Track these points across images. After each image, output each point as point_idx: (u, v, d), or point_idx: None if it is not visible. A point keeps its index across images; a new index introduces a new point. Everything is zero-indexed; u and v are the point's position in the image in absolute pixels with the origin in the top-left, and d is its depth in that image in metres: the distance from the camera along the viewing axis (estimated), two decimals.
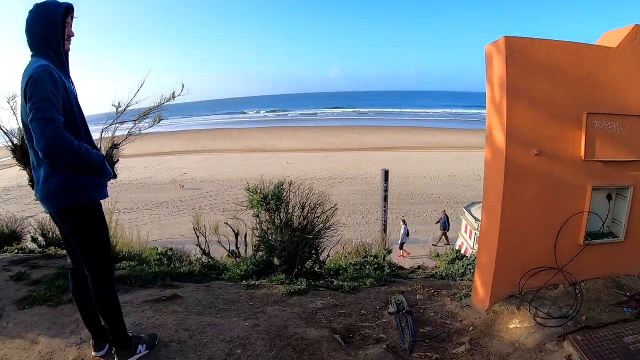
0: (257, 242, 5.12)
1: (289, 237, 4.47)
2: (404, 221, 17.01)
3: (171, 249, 10.80)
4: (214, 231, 9.88)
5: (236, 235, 6.95)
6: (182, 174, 29.52)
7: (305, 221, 4.73)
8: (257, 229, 5.02)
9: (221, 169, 30.63)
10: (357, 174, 27.49)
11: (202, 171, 30.01)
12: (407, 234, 16.53)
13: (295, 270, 4.48)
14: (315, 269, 4.79)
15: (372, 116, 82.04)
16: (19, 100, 2.59)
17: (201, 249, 8.53)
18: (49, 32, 2.32)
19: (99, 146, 5.25)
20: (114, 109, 5.00)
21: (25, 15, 2.32)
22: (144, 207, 22.08)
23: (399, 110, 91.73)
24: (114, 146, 5.09)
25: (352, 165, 30.60)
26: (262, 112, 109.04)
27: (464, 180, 25.19)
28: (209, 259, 7.92)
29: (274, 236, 4.63)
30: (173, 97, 5.22)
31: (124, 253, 6.37)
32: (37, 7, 2.30)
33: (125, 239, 7.05)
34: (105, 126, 4.98)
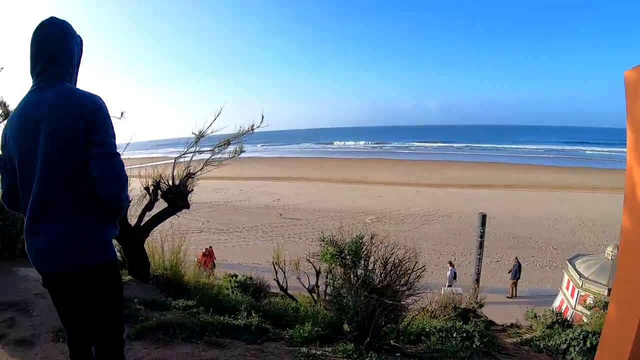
0: (327, 300, 4.53)
1: (365, 299, 3.82)
2: (450, 263, 15.79)
3: (251, 278, 10.65)
4: (295, 266, 9.60)
5: (317, 273, 6.58)
6: (276, 199, 29.92)
7: (387, 281, 4.07)
8: (329, 284, 4.45)
9: (314, 197, 30.62)
10: (450, 212, 25.89)
11: (296, 199, 30.16)
12: (455, 277, 15.24)
13: (368, 339, 3.78)
14: (391, 340, 4.00)
15: (468, 151, 78.91)
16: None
17: (279, 285, 8.22)
18: (78, 53, 2.04)
19: (174, 174, 5.27)
20: (193, 136, 4.88)
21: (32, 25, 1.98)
22: (234, 230, 22.46)
23: (497, 145, 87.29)
24: (189, 175, 4.95)
25: (445, 202, 29.03)
26: (358, 143, 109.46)
27: (564, 224, 22.66)
28: (284, 294, 7.57)
29: (347, 298, 3.96)
30: (252, 129, 4.97)
31: (191, 285, 6.05)
32: (65, 22, 1.97)
33: (196, 271, 6.80)
34: (181, 153, 4.88)
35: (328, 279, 4.41)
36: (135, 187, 5.23)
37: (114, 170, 1.85)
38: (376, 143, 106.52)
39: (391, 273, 4.17)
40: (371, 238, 4.34)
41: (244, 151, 5.16)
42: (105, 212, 1.95)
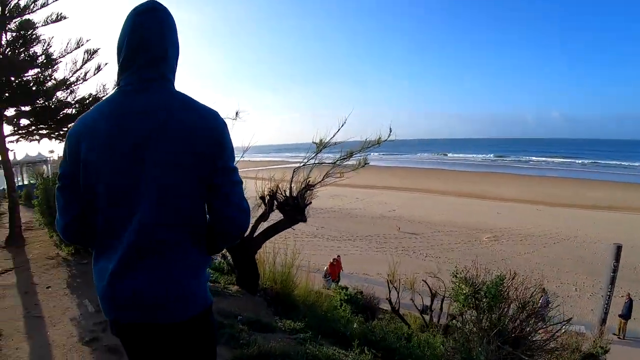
0: (450, 349, 3.87)
1: (497, 350, 3.12)
2: (544, 290, 13.64)
3: (361, 292, 10.30)
4: (410, 285, 9.09)
5: (432, 295, 6.03)
6: (392, 210, 29.35)
7: (524, 331, 3.33)
8: (456, 326, 3.82)
9: (431, 210, 29.53)
10: (572, 235, 22.98)
11: (412, 210, 29.29)
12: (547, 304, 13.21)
13: None
14: None
15: (594, 168, 70.74)
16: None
17: (391, 305, 7.77)
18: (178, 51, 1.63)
19: (292, 184, 5.03)
20: (305, 143, 4.61)
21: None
22: (347, 238, 22.28)
23: (632, 163, 76.37)
24: (308, 187, 4.64)
25: (567, 223, 25.98)
26: (476, 155, 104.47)
27: None
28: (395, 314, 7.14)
29: (478, 350, 3.27)
30: (379, 142, 4.53)
31: (300, 299, 5.71)
32: (165, 9, 1.54)
33: (307, 283, 6.49)
34: (301, 163, 4.59)
35: (457, 322, 3.78)
36: (250, 189, 5.05)
37: (243, 202, 1.54)
38: (495, 156, 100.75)
39: (530, 321, 3.47)
40: (512, 277, 3.62)
41: (367, 163, 4.76)
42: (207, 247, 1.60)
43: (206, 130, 1.44)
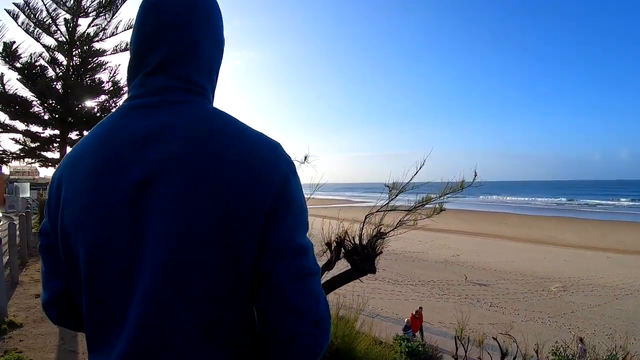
0: None
1: None
2: (581, 340, 12.31)
3: (423, 344, 9.67)
4: (479, 343, 8.39)
5: (503, 355, 5.42)
6: (455, 255, 28.30)
7: None
8: None
9: (496, 256, 28.21)
10: None
11: (476, 256, 28.08)
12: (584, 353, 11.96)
13: None
14: None
15: None
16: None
17: None
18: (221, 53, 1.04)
19: (362, 232, 4.65)
20: (386, 189, 4.22)
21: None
22: (409, 282, 21.48)
23: None
24: (379, 235, 4.26)
25: None
26: (543, 198, 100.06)
27: None
28: None
29: None
30: (462, 187, 4.08)
31: (361, 354, 5.11)
32: None
33: (370, 334, 5.98)
34: (373, 210, 4.22)
35: None
36: (316, 229, 4.69)
37: (319, 305, 0.85)
38: (562, 199, 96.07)
39: None
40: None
41: (444, 209, 4.31)
42: None
43: (260, 174, 0.84)
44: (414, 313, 14.20)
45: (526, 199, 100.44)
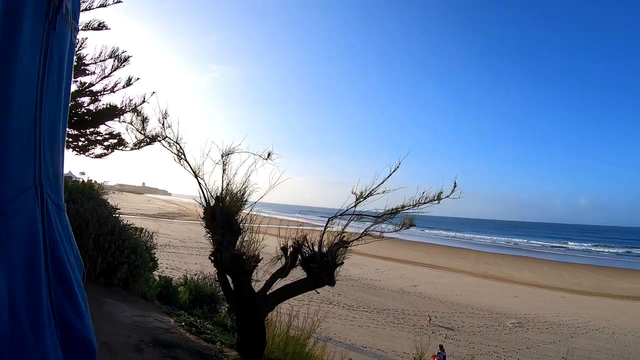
0: None
1: None
2: (441, 347, 13.33)
3: None
4: None
5: None
6: (412, 285, 28.20)
7: None
8: None
9: (453, 290, 28.29)
10: (602, 326, 21.70)
11: (434, 288, 28.06)
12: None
13: None
14: None
15: (627, 257, 67.99)
16: None
17: None
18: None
19: (322, 239, 4.23)
20: (352, 198, 3.84)
21: None
22: (364, 309, 21.07)
23: None
24: (342, 244, 3.86)
25: (595, 312, 24.77)
26: (503, 237, 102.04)
27: None
28: None
29: None
30: (439, 199, 3.73)
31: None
32: None
33: (324, 358, 5.52)
34: (337, 213, 3.84)
35: None
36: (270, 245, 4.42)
37: None
38: (521, 239, 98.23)
39: None
40: None
41: (414, 225, 3.97)
42: None
43: None
44: (435, 354, 13.53)
45: (485, 236, 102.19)
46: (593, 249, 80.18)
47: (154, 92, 7.48)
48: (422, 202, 3.75)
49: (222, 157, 4.26)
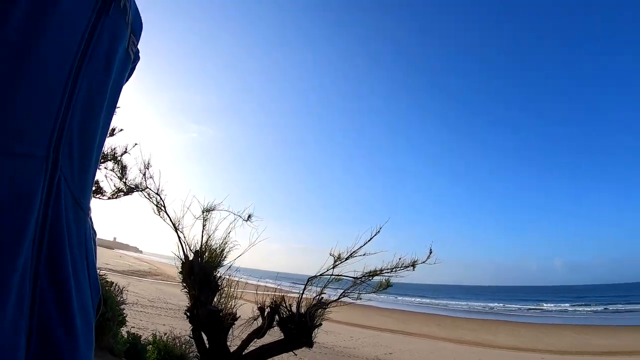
0: None
1: None
2: None
3: None
4: None
5: None
6: (388, 353, 27.48)
7: None
8: None
9: (429, 356, 27.58)
10: None
11: (409, 355, 27.40)
12: None
13: None
14: None
15: (604, 314, 68.11)
16: None
17: None
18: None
19: (301, 299, 4.21)
20: (331, 260, 3.87)
21: None
22: None
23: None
24: (320, 304, 3.84)
25: None
26: (479, 303, 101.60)
27: None
28: None
29: None
30: (414, 266, 3.79)
31: None
32: None
33: None
34: (316, 273, 3.84)
35: None
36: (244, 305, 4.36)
37: None
38: (496, 303, 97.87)
39: None
40: None
41: (390, 285, 3.99)
42: None
43: None
44: None
45: (461, 302, 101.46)
46: (570, 309, 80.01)
47: (136, 144, 7.53)
48: (399, 267, 3.80)
49: (203, 212, 4.29)
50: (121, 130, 7.86)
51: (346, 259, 3.85)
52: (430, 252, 3.79)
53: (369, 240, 3.78)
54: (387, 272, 3.87)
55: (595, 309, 77.72)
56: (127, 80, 1.11)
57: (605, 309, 77.24)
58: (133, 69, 1.15)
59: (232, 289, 4.32)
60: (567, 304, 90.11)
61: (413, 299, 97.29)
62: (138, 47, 1.11)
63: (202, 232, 4.37)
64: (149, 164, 4.45)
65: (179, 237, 4.30)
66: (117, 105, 1.03)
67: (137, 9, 1.07)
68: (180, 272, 4.28)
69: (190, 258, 4.20)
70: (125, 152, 7.68)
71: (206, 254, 4.22)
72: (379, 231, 3.73)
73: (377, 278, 4.11)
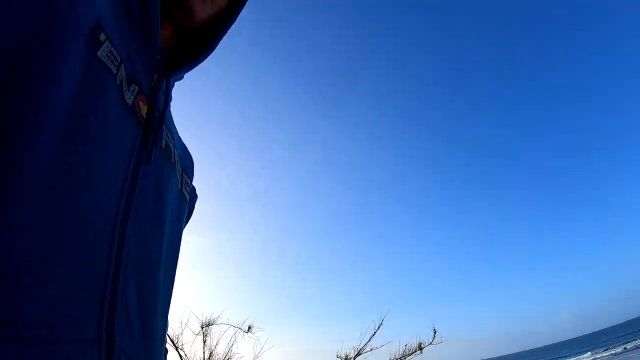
0: None
1: None
2: None
3: None
4: None
5: None
6: None
7: None
8: None
9: None
10: None
11: None
12: None
13: None
14: None
15: (625, 354, 64.61)
16: None
17: None
18: None
19: None
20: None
21: None
22: None
23: None
24: None
25: None
26: None
27: None
28: None
29: None
30: (421, 349, 3.71)
31: None
32: None
33: None
34: None
35: None
36: None
37: None
38: None
39: None
40: None
41: None
42: None
43: None
44: None
45: None
46: (594, 356, 76.22)
47: None
48: (407, 354, 3.71)
49: (202, 328, 4.21)
50: None
51: (354, 359, 3.76)
52: (435, 332, 3.73)
53: (373, 335, 3.71)
54: None
55: (615, 352, 73.94)
56: (187, 222, 1.02)
57: (624, 348, 73.44)
58: (192, 208, 1.06)
59: None
60: (585, 355, 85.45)
61: None
62: (193, 184, 1.03)
63: (204, 348, 4.26)
64: None
65: (180, 356, 4.18)
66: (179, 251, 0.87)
67: (183, 144, 1.00)
68: None
69: None
70: None
71: None
72: (381, 324, 3.69)
73: None
